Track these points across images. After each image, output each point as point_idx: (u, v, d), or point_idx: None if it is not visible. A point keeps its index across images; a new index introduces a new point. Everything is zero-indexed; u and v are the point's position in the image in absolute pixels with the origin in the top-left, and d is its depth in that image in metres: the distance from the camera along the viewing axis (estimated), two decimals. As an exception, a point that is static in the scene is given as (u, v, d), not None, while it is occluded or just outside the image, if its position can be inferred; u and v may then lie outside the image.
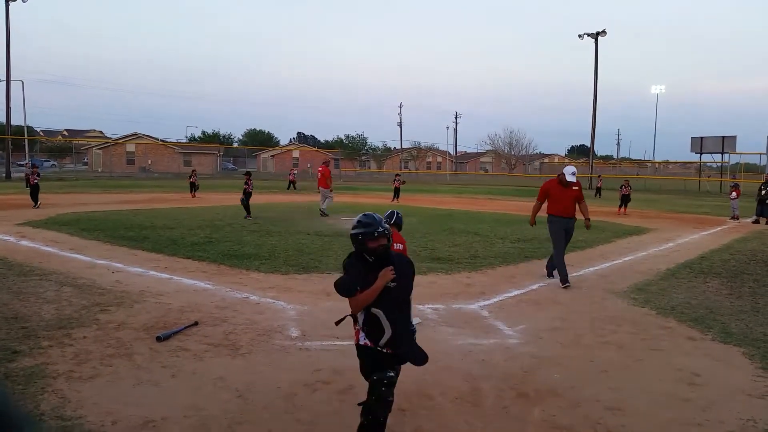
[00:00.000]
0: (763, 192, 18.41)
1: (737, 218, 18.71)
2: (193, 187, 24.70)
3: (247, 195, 15.66)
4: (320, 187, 17.40)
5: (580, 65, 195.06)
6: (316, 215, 16.38)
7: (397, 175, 27.33)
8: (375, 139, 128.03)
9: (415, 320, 5.98)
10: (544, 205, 8.42)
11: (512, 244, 11.53)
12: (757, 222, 17.84)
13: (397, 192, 25.34)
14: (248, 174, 16.37)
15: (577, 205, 8.20)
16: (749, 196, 20.62)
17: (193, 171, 26.93)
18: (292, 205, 21.18)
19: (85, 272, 7.94)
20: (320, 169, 17.89)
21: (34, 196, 17.51)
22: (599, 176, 37.59)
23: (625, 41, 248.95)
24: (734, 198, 19.12)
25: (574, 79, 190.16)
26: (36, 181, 17.80)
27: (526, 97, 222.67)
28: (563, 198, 8.12)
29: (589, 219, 8.26)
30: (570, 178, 8.10)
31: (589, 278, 8.58)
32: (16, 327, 5.40)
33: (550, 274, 8.45)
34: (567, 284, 7.80)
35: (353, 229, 3.32)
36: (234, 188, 31.34)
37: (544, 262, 9.89)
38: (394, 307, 3.26)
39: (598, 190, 33.18)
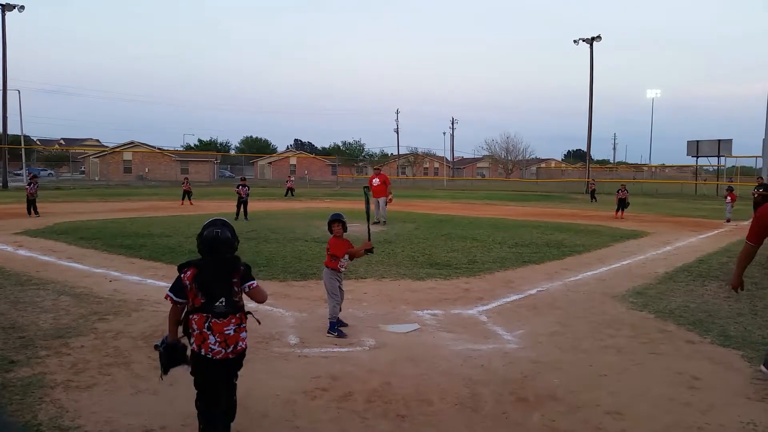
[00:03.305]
0: (756, 195, 18.52)
1: (729, 221, 18.84)
2: (186, 195, 24.76)
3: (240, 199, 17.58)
4: (380, 197, 16.24)
5: (577, 70, 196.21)
6: (313, 221, 16.37)
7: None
8: (372, 146, 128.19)
9: (413, 326, 6.03)
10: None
11: (510, 249, 11.54)
12: None
13: None
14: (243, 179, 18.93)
15: None
16: (747, 199, 20.68)
17: (186, 178, 27.19)
18: (290, 211, 21.17)
19: (82, 281, 7.92)
20: (380, 176, 16.80)
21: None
22: (593, 180, 37.70)
23: (620, 46, 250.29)
24: (729, 202, 19.27)
25: (571, 84, 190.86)
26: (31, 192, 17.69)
27: (522, 103, 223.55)
28: None
29: None
30: None
31: (588, 282, 8.58)
32: (13, 336, 5.38)
33: None
34: None
35: None
36: (231, 196, 31.30)
37: (543, 266, 9.92)
38: None
39: (593, 194, 33.28)
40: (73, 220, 16.01)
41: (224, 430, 3.35)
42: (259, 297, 3.44)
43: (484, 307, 6.94)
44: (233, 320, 3.24)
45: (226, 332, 3.20)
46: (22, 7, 37.64)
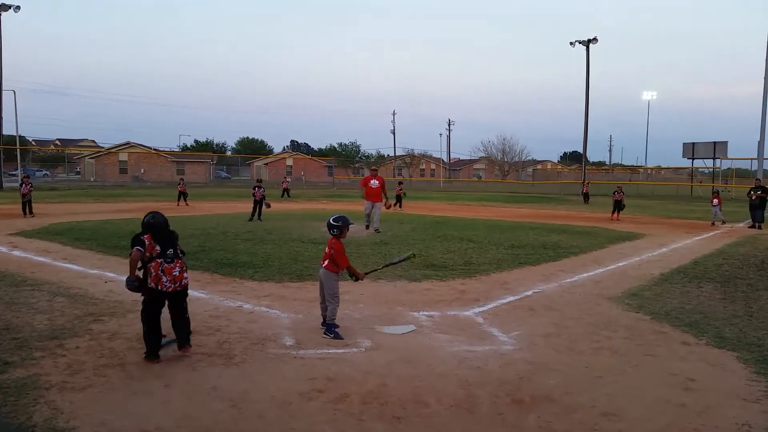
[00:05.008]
0: (753, 197, 18.60)
1: (713, 223, 18.94)
2: (182, 196, 24.86)
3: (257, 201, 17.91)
4: (376, 202, 14.71)
5: (573, 72, 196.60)
6: (309, 222, 16.35)
7: (399, 183, 28.11)
8: (368, 147, 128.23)
9: (409, 327, 6.03)
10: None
11: (506, 251, 11.55)
12: (753, 227, 17.97)
13: (399, 199, 24.91)
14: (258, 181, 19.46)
15: None
16: (743, 201, 20.77)
17: (181, 179, 27.34)
18: (286, 213, 21.14)
19: (77, 282, 7.89)
20: (377, 178, 15.00)
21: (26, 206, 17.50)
22: (587, 182, 37.86)
23: (616, 48, 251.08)
24: (716, 205, 19.36)
25: (567, 86, 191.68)
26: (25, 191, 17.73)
27: (518, 105, 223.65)
28: None
29: None
30: None
31: (584, 284, 8.59)
32: (7, 338, 5.36)
33: None
34: None
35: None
36: (227, 197, 31.28)
37: (539, 267, 9.93)
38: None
39: (586, 195, 33.39)
40: (69, 221, 15.94)
41: (185, 338, 4.98)
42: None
43: (480, 309, 6.94)
44: (177, 264, 4.84)
45: (174, 273, 4.81)
46: (18, 7, 37.50)
